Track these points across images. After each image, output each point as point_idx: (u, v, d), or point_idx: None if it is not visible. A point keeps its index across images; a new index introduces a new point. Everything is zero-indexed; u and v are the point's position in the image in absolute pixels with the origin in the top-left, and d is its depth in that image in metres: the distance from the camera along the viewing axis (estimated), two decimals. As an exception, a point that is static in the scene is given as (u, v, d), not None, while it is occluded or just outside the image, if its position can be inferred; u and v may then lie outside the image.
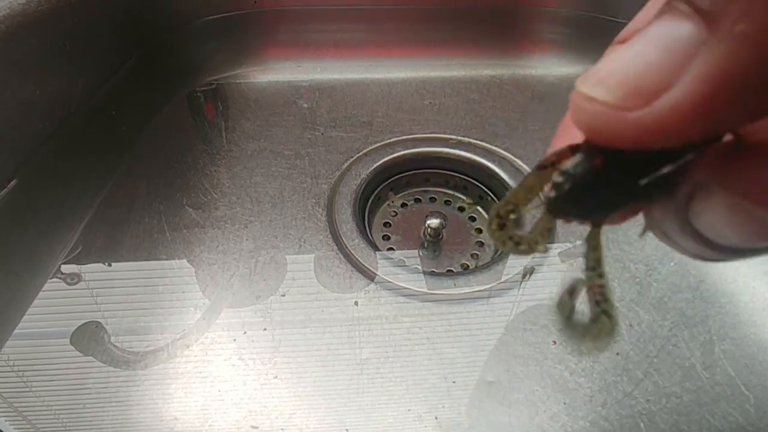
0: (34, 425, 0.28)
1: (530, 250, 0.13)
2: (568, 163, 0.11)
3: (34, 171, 0.39)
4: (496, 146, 0.43)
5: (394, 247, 0.39)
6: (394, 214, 0.41)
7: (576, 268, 0.35)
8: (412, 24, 0.55)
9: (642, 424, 0.28)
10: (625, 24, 0.11)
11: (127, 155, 0.43)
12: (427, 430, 0.28)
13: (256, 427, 0.28)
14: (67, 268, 0.34)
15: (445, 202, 0.43)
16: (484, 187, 0.42)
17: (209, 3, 0.53)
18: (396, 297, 0.33)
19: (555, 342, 0.31)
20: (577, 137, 0.11)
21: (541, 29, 0.56)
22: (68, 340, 0.31)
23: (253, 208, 0.39)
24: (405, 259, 0.37)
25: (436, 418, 0.28)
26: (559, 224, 0.13)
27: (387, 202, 0.42)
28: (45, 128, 0.40)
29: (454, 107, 0.47)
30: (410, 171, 0.43)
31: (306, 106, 0.47)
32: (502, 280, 0.34)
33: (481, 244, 0.39)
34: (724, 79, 0.08)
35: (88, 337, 0.31)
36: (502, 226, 0.13)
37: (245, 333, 0.31)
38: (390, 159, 0.42)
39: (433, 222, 0.37)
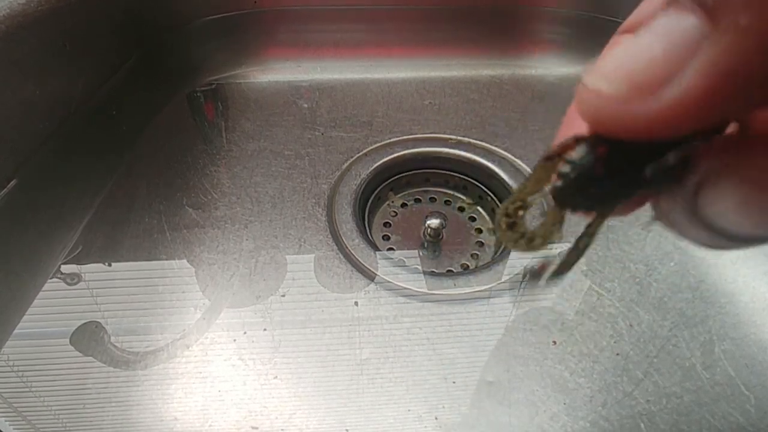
0: (34, 425, 0.28)
1: (544, 243, 0.13)
2: (574, 154, 0.11)
3: (34, 171, 0.39)
4: (496, 146, 0.43)
5: (394, 247, 0.39)
6: (394, 214, 0.41)
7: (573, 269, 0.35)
8: (412, 24, 0.55)
9: (642, 425, 0.28)
10: (625, 24, 0.11)
11: (127, 155, 0.43)
12: (427, 430, 0.28)
13: (256, 428, 0.28)
14: (67, 268, 0.34)
15: (445, 202, 0.43)
16: (484, 187, 0.42)
17: (209, 3, 0.53)
18: (396, 297, 0.33)
19: (555, 342, 0.31)
20: (582, 128, 0.11)
21: (541, 29, 0.56)
22: (68, 340, 0.31)
23: (253, 208, 0.39)
24: (405, 259, 0.37)
25: (436, 418, 0.28)
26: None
27: (387, 202, 0.42)
28: (45, 128, 0.40)
29: (454, 107, 0.47)
30: (410, 171, 0.43)
31: (306, 106, 0.47)
32: (502, 280, 0.34)
33: (481, 244, 0.39)
34: (726, 72, 0.08)
35: (88, 337, 0.31)
36: (512, 226, 0.13)
37: (245, 333, 0.31)
38: (390, 159, 0.42)
39: (433, 222, 0.37)
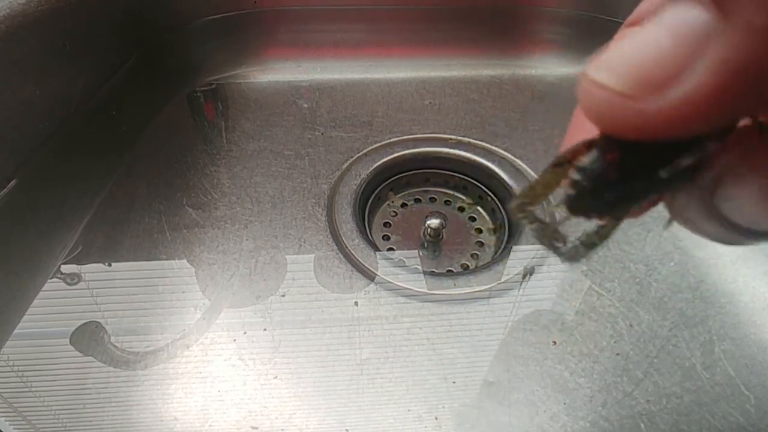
0: (34, 425, 0.28)
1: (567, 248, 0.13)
2: (585, 160, 0.10)
3: (34, 171, 0.39)
4: (496, 146, 0.43)
5: (394, 247, 0.39)
6: (394, 214, 0.41)
7: (577, 267, 0.35)
8: (412, 24, 0.55)
9: (642, 425, 0.28)
10: (625, 24, 0.11)
11: (127, 155, 0.43)
12: (427, 430, 0.28)
13: (256, 428, 0.28)
14: (67, 268, 0.34)
15: (445, 202, 0.43)
16: (484, 187, 0.42)
17: (209, 3, 0.53)
18: (396, 297, 0.33)
19: (555, 342, 0.31)
20: (590, 130, 0.10)
21: (541, 29, 0.56)
22: (68, 340, 0.31)
23: (253, 208, 0.39)
24: (405, 259, 0.37)
25: (436, 418, 0.28)
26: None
27: (387, 202, 0.42)
28: (45, 128, 0.40)
29: (454, 107, 0.47)
30: (410, 171, 0.43)
31: (306, 106, 0.47)
32: (502, 280, 0.34)
33: (481, 244, 0.39)
34: (737, 70, 0.08)
35: (88, 337, 0.31)
36: (523, 207, 0.12)
37: (245, 333, 0.31)
38: (390, 159, 0.42)
39: (433, 222, 0.37)
